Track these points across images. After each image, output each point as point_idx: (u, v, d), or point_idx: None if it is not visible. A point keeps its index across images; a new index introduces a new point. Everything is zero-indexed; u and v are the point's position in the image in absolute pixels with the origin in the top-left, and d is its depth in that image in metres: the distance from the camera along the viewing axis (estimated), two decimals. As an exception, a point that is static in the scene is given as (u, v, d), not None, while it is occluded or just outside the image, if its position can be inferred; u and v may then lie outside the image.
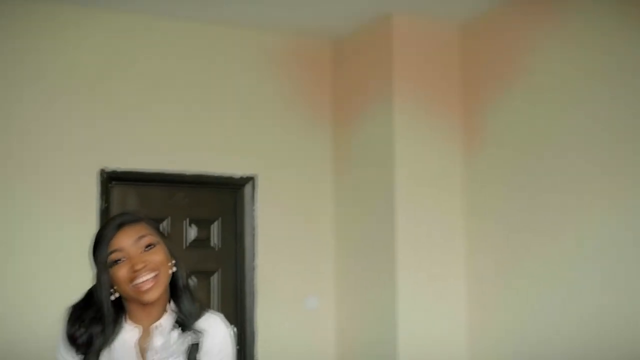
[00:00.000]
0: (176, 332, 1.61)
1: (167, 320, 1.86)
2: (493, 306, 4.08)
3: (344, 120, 4.75)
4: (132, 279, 1.78)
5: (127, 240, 1.81)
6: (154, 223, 1.91)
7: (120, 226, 1.83)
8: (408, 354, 4.07)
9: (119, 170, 4.27)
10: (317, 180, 4.82)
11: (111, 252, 1.79)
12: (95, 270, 1.82)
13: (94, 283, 1.83)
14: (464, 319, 4.25)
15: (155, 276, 1.80)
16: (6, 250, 3.99)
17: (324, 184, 4.83)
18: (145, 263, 1.79)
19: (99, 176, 4.22)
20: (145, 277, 1.78)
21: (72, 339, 1.82)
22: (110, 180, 4.27)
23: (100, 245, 1.82)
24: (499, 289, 4.05)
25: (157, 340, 1.56)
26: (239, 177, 4.59)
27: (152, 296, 1.80)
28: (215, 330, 1.88)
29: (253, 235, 4.59)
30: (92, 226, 4.12)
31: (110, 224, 1.85)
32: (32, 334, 3.89)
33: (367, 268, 4.42)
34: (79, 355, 1.81)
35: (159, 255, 1.83)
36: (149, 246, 1.82)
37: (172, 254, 1.89)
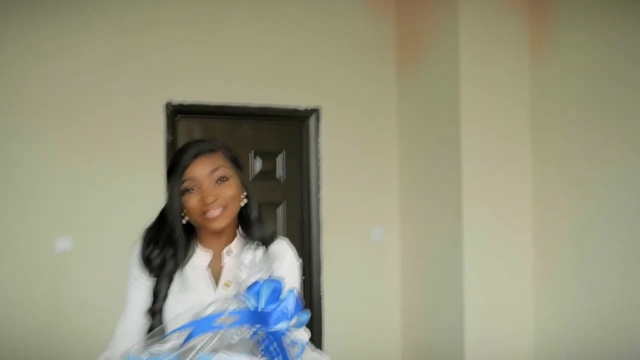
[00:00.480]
0: (261, 250, 1.62)
1: (236, 245, 1.90)
2: (560, 243, 4.01)
3: (409, 54, 4.65)
4: (202, 211, 1.80)
5: (202, 171, 1.81)
6: (230, 154, 1.89)
7: (196, 155, 1.83)
8: (473, 285, 4.07)
9: (184, 103, 4.30)
10: (381, 113, 4.77)
11: (184, 181, 1.81)
12: (168, 193, 1.84)
13: (166, 205, 1.85)
14: (529, 253, 4.19)
15: (225, 209, 1.82)
16: (76, 185, 4.10)
17: (388, 117, 4.78)
18: (217, 197, 1.80)
19: (164, 110, 4.27)
20: (214, 211, 1.80)
21: (146, 261, 1.86)
22: (176, 113, 4.32)
23: (175, 171, 1.82)
24: (566, 227, 3.96)
25: (245, 257, 1.59)
26: (303, 109, 4.58)
27: (219, 226, 1.82)
28: (285, 253, 1.92)
29: (317, 168, 4.60)
30: (159, 159, 4.20)
31: (187, 150, 1.84)
32: (106, 264, 4.04)
33: (432, 200, 4.39)
34: (152, 278, 1.85)
35: (230, 189, 1.83)
36: (222, 179, 1.83)
37: (244, 186, 1.90)
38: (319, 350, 1.87)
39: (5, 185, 3.98)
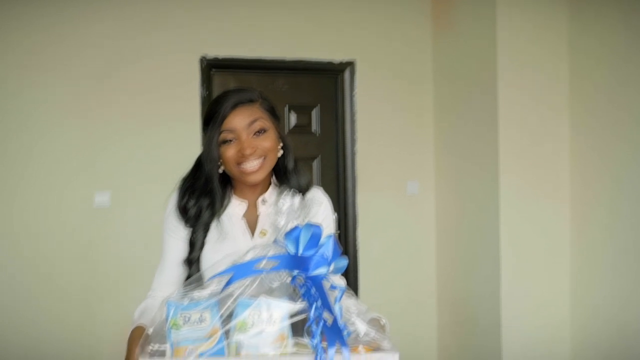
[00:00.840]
0: (298, 197, 1.61)
1: (271, 194, 1.90)
2: (597, 204, 3.95)
3: (445, 9, 4.56)
4: (238, 162, 1.79)
5: (240, 123, 1.79)
6: (268, 104, 1.87)
7: (235, 106, 1.80)
8: (509, 240, 4.04)
9: (219, 57, 4.30)
10: (416, 68, 4.72)
11: (223, 132, 1.79)
12: (205, 143, 1.82)
13: (203, 154, 1.84)
14: (566, 212, 4.14)
15: (263, 161, 1.81)
16: (114, 140, 4.15)
17: (423, 72, 4.72)
18: (254, 149, 1.78)
19: (200, 64, 4.27)
20: (251, 163, 1.79)
21: (183, 211, 1.86)
22: (211, 67, 4.32)
23: (213, 121, 1.80)
24: (602, 192, 3.89)
25: (283, 204, 1.57)
26: (338, 62, 4.54)
27: (255, 179, 1.81)
28: (321, 201, 1.92)
29: (352, 121, 4.58)
30: (195, 114, 4.23)
31: (226, 100, 1.80)
32: (143, 217, 4.10)
33: (468, 156, 4.34)
34: (188, 228, 1.85)
35: (268, 141, 1.81)
36: (260, 131, 1.81)
37: (281, 137, 1.88)
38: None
39: (47, 140, 4.05)
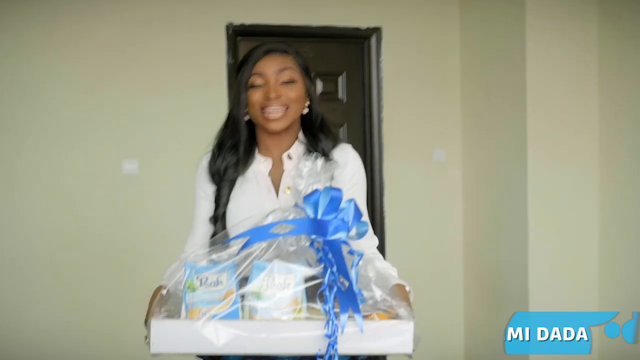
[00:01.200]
0: (320, 160, 1.61)
1: (296, 150, 1.90)
2: (625, 173, 3.88)
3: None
4: (262, 106, 1.81)
5: (271, 68, 1.82)
6: (302, 60, 1.89)
7: (268, 52, 1.84)
8: (538, 210, 4.00)
9: (245, 24, 4.28)
10: (444, 35, 4.64)
11: (252, 75, 1.82)
12: (235, 86, 1.86)
13: (232, 98, 1.87)
14: (595, 182, 4.07)
15: (286, 109, 1.82)
16: (141, 109, 4.17)
17: (450, 41, 4.64)
18: (280, 95, 1.80)
19: (226, 31, 4.26)
20: (275, 108, 1.80)
21: (211, 168, 1.89)
22: (237, 34, 4.30)
23: (244, 65, 1.84)
24: (631, 157, 3.82)
25: (304, 166, 1.57)
26: (364, 28, 4.50)
27: (276, 126, 1.82)
28: (347, 159, 1.91)
29: (379, 89, 4.55)
30: (222, 82, 4.23)
31: (260, 47, 1.85)
32: (171, 185, 4.13)
33: (495, 124, 4.29)
34: (214, 185, 1.88)
35: (295, 92, 1.83)
36: (289, 81, 1.83)
37: (309, 93, 1.89)
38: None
39: (75, 108, 4.08)
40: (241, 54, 4.31)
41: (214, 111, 4.09)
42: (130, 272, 4.14)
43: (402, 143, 4.59)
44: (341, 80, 4.57)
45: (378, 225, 4.54)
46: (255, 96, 1.82)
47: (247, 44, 4.30)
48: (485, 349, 4.48)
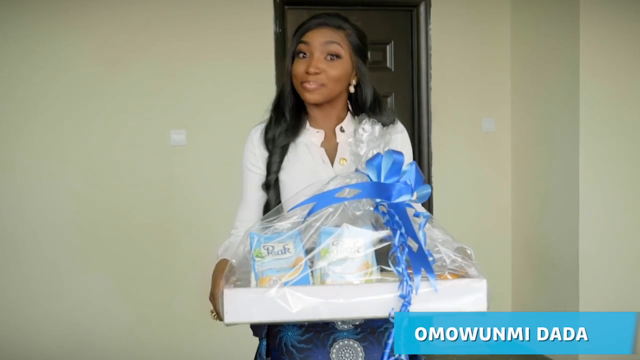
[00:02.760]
0: (378, 125, 1.58)
1: (349, 124, 1.88)
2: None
3: None
4: (302, 80, 1.80)
5: (318, 39, 1.79)
6: (356, 39, 1.84)
7: (320, 24, 1.82)
8: (589, 184, 3.92)
9: (293, -7, 4.27)
10: (493, 3, 4.57)
11: (300, 42, 1.81)
12: (288, 55, 1.87)
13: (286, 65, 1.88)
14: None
15: (322, 87, 1.80)
16: (189, 80, 4.18)
17: (501, 8, 4.57)
18: (319, 71, 1.78)
19: (273, 0, 4.24)
20: (311, 84, 1.79)
21: (266, 134, 1.88)
22: (285, 4, 4.28)
23: (297, 33, 1.84)
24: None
25: (364, 132, 1.56)
26: (413, -4, 4.45)
27: (311, 98, 1.81)
28: (401, 128, 1.92)
29: (427, 57, 4.50)
30: (269, 52, 4.22)
31: (316, 18, 1.84)
32: (219, 156, 4.15)
33: (546, 95, 4.22)
34: (266, 153, 1.87)
35: (336, 69, 1.80)
36: (334, 55, 1.80)
37: (359, 72, 1.85)
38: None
39: (124, 80, 4.12)
40: (289, 23, 4.29)
41: (262, 81, 4.12)
42: (175, 243, 4.18)
43: (451, 113, 4.54)
44: (389, 49, 4.52)
45: (426, 195, 4.50)
46: (297, 67, 1.81)
47: (295, 14, 4.29)
48: (534, 320, 4.45)
